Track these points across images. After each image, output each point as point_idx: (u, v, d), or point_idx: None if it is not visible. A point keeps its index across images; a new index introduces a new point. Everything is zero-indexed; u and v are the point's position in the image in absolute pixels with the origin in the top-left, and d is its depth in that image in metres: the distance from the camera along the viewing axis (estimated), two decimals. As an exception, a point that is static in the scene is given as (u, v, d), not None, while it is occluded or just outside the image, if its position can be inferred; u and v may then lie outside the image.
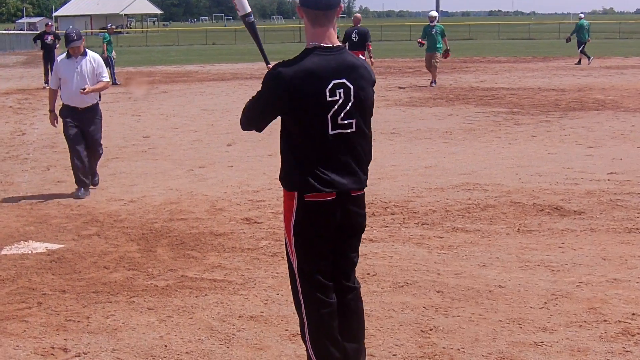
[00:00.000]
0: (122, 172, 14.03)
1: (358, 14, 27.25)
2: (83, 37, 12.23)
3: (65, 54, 12.27)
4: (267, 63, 5.56)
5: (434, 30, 28.92)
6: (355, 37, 25.47)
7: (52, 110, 12.51)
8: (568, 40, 44.10)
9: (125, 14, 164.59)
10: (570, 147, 15.65)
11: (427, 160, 14.50)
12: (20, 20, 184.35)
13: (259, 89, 5.08)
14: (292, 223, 5.14)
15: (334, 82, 4.94)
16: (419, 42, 29.55)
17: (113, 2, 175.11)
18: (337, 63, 4.99)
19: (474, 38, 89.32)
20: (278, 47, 63.98)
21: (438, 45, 28.78)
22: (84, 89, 11.83)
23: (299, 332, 5.43)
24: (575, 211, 10.53)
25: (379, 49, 57.87)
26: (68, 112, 12.22)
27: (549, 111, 21.50)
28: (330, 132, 4.99)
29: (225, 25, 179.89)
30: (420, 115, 21.27)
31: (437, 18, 29.73)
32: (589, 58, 41.53)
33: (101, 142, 12.59)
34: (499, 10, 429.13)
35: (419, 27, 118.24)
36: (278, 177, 5.23)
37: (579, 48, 41.91)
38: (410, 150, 15.58)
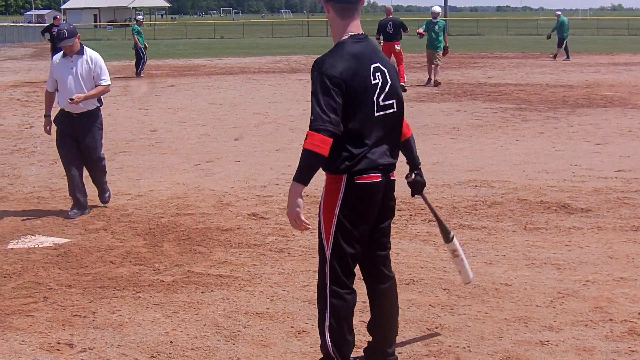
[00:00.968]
0: (129, 166, 14.04)
1: (389, 6, 27.25)
2: (78, 34, 10.72)
3: (61, 53, 10.88)
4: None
5: (437, 26, 28.42)
6: (391, 29, 25.58)
7: (47, 115, 11.22)
8: (549, 37, 44.55)
9: (133, 7, 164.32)
10: (577, 144, 15.62)
11: (434, 156, 14.48)
12: (28, 13, 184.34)
13: (316, 88, 5.07)
14: (337, 205, 5.22)
15: (373, 66, 5.18)
16: (418, 34, 29.05)
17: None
18: (370, 49, 5.27)
19: (482, 34, 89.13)
20: (286, 41, 63.95)
21: (440, 45, 28.37)
22: (72, 99, 10.46)
23: (317, 319, 5.45)
24: (582, 209, 10.51)
25: (387, 43, 57.76)
26: (62, 118, 10.91)
27: (557, 108, 21.47)
28: (376, 114, 5.20)
29: (233, 19, 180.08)
30: (427, 111, 21.25)
31: (440, 14, 29.27)
32: (568, 56, 42.27)
33: (102, 154, 11.19)
34: (507, 6, 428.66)
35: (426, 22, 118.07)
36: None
37: (559, 45, 42.62)
38: (417, 146, 15.52)
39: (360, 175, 5.16)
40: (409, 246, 8.97)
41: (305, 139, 4.98)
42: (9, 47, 71.16)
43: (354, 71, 5.07)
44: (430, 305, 7.07)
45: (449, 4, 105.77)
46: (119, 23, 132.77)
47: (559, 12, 44.91)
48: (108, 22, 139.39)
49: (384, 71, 5.23)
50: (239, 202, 11.16)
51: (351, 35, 5.23)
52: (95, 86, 10.79)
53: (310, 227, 5.15)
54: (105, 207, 11.04)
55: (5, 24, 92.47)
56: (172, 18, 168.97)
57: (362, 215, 5.26)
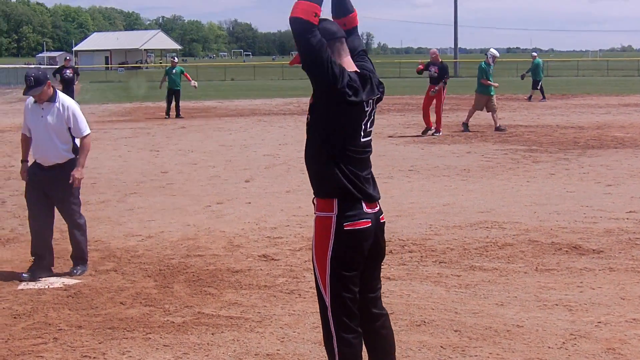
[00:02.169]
0: (140, 207, 14.05)
1: (435, 49, 26.96)
2: (48, 81, 9.68)
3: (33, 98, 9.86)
4: None
5: (491, 69, 27.65)
6: (435, 73, 25.45)
7: (23, 160, 10.15)
8: (522, 77, 44.88)
9: (144, 49, 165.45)
10: (588, 185, 15.59)
11: (445, 197, 14.46)
12: (40, 55, 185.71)
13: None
14: (329, 253, 5.23)
15: (369, 97, 5.22)
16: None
17: (133, 37, 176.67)
18: (365, 80, 5.25)
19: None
20: (297, 83, 64.16)
21: (493, 90, 27.42)
22: (75, 178, 9.73)
23: None
24: (593, 250, 10.47)
25: (397, 86, 58.00)
26: (34, 168, 9.99)
27: (568, 149, 21.46)
28: (362, 140, 5.28)
29: (244, 61, 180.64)
30: (438, 152, 21.25)
31: (497, 57, 28.32)
32: (544, 97, 43.07)
33: (75, 210, 10.06)
34: (517, 48, 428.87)
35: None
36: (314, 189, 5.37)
37: (534, 86, 43.43)
38: (428, 188, 15.55)
39: (350, 222, 5.17)
40: (419, 288, 8.93)
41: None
42: (21, 89, 71.38)
43: (357, 89, 5.12)
44: (441, 347, 7.03)
45: (459, 45, 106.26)
46: (130, 65, 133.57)
47: (535, 54, 45.46)
48: (119, 64, 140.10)
49: (372, 100, 5.28)
50: (250, 244, 11.15)
51: (354, 71, 5.24)
52: (73, 138, 9.84)
53: None
54: (116, 248, 11.03)
55: (17, 66, 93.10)
56: (183, 60, 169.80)
57: (355, 261, 5.25)
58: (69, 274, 9.80)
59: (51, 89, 9.77)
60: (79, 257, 10.02)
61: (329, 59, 4.99)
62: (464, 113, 33.80)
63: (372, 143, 5.41)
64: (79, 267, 9.92)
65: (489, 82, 26.92)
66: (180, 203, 14.38)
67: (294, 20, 5.01)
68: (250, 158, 20.44)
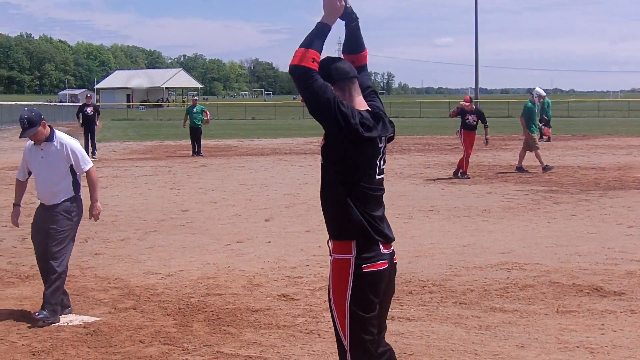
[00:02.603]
0: (160, 245, 14.06)
1: (468, 97, 26.68)
2: (42, 121, 9.54)
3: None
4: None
5: (537, 108, 27.45)
6: (474, 121, 25.15)
7: (15, 204, 10.19)
8: (541, 121, 44.56)
9: (166, 87, 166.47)
10: (610, 227, 15.52)
11: (465, 238, 14.42)
12: (62, 92, 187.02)
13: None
14: (347, 296, 5.19)
15: (381, 134, 5.22)
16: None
17: (154, 75, 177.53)
18: (377, 118, 5.24)
19: (513, 116, 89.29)
20: (317, 123, 64.24)
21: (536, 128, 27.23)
22: (94, 215, 10.04)
23: None
24: (615, 292, 10.40)
25: (417, 125, 58.02)
26: (38, 210, 9.99)
27: (589, 190, 21.38)
28: (377, 177, 5.27)
29: (265, 100, 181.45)
30: (458, 192, 21.21)
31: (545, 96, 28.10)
32: (549, 137, 42.65)
33: (60, 253, 9.62)
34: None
35: (457, 104, 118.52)
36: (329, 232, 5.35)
37: (547, 125, 42.63)
38: (448, 228, 15.51)
39: (368, 264, 5.15)
40: (439, 329, 8.89)
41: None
42: (43, 127, 71.78)
43: (370, 126, 5.12)
44: (461, 388, 6.98)
45: (480, 85, 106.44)
46: (152, 103, 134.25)
47: (544, 94, 45.29)
48: (140, 102, 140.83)
49: (385, 137, 5.29)
50: (269, 283, 11.13)
51: (365, 110, 5.24)
52: (74, 174, 9.76)
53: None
54: (136, 286, 11.03)
55: (39, 103, 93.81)
56: (204, 99, 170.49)
57: (373, 302, 5.22)
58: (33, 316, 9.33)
59: (47, 128, 9.66)
60: (46, 301, 9.41)
61: (334, 100, 5.01)
62: (483, 153, 33.82)
63: (385, 183, 5.41)
64: (43, 312, 9.33)
65: (524, 121, 26.91)
66: (200, 241, 14.39)
67: (294, 68, 5.07)
68: (270, 197, 20.45)
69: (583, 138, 46.49)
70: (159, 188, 22.67)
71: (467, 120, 25.33)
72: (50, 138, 9.65)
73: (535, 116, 27.09)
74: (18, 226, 10.46)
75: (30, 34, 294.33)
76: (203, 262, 12.58)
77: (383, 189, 5.35)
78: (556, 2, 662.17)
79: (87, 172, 9.80)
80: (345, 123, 5.00)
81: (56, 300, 9.45)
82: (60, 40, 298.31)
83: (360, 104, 5.25)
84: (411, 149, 37.06)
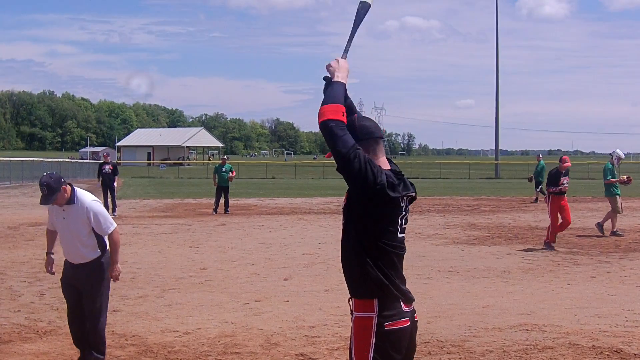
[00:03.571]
0: (178, 303, 14.05)
1: (566, 157, 25.00)
2: (63, 185, 9.45)
3: None
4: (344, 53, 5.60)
5: (616, 170, 27.25)
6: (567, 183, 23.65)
7: (48, 253, 10.19)
8: (530, 180, 44.70)
9: (187, 146, 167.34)
10: (630, 289, 15.43)
11: (484, 299, 14.36)
12: (83, 150, 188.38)
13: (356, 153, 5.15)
14: (370, 353, 5.15)
15: (403, 191, 5.22)
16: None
17: (175, 133, 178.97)
18: (403, 181, 5.28)
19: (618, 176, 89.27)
20: (338, 182, 64.34)
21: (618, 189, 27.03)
22: (114, 277, 9.79)
23: None
24: (635, 354, 10.33)
25: (437, 187, 58.02)
26: (65, 268, 9.98)
27: (609, 252, 21.29)
28: (399, 235, 5.29)
29: (285, 160, 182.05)
30: (478, 254, 21.15)
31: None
32: (537, 199, 43.45)
33: (100, 308, 9.85)
34: (558, 150, 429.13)
35: (478, 165, 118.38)
36: (351, 291, 5.34)
37: (538, 187, 43.29)
38: (467, 289, 15.45)
39: (391, 322, 5.14)
40: (458, 390, 8.83)
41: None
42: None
43: (392, 184, 5.15)
44: None
45: (500, 147, 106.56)
46: (172, 162, 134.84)
47: (540, 156, 45.88)
48: (161, 160, 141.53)
49: (407, 197, 5.30)
50: (287, 342, 11.09)
51: (389, 169, 5.29)
52: (98, 235, 9.65)
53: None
54: (153, 343, 11.01)
55: (61, 160, 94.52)
56: (224, 158, 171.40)
57: None
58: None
59: (68, 192, 9.51)
60: (97, 351, 9.79)
61: (364, 157, 5.06)
62: (504, 214, 33.75)
63: (405, 243, 5.41)
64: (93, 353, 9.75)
65: (611, 180, 26.76)
66: (218, 300, 14.37)
67: (324, 124, 5.12)
68: (289, 256, 20.44)
69: (603, 200, 46.30)
70: (178, 246, 22.69)
71: (561, 185, 23.31)
72: (71, 200, 9.51)
73: (615, 178, 26.91)
74: (52, 273, 10.26)
75: (53, 92, 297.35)
76: (221, 321, 12.56)
77: (404, 248, 5.36)
78: (577, 65, 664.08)
79: (110, 233, 9.66)
80: (373, 181, 5.03)
81: (103, 346, 9.84)
82: (82, 98, 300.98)
83: (384, 164, 5.30)
84: (431, 210, 37.01)
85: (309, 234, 26.17)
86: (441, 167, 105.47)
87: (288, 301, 14.24)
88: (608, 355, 10.33)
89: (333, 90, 5.22)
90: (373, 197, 5.09)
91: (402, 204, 5.23)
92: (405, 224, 5.33)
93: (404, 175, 5.36)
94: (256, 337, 11.39)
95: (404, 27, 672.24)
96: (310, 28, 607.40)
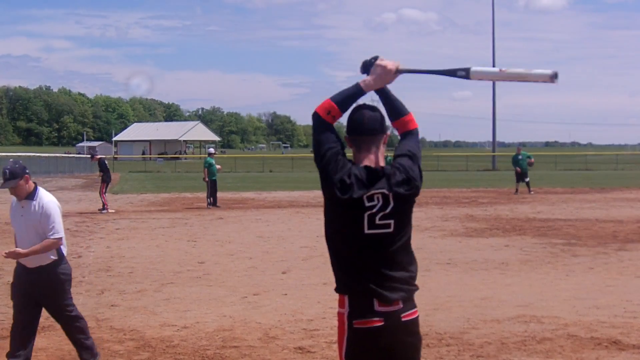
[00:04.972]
0: (176, 297, 14.04)
1: None
2: (26, 175, 9.00)
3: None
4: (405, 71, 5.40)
5: None
6: None
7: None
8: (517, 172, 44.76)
9: (183, 140, 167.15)
10: (628, 280, 15.43)
11: (482, 291, 14.36)
12: (80, 144, 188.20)
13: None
14: (343, 350, 5.10)
15: (373, 191, 5.03)
16: None
17: (172, 128, 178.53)
18: (378, 179, 5.07)
19: (530, 169, 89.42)
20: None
21: None
22: (6, 253, 9.01)
23: None
24: (634, 345, 10.33)
25: (435, 179, 58.07)
26: (18, 269, 9.31)
27: (607, 243, 21.29)
28: (366, 231, 5.05)
29: (282, 153, 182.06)
30: (476, 245, 21.15)
31: None
32: (516, 190, 44.20)
33: (72, 310, 9.43)
34: (555, 142, 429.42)
35: (475, 157, 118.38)
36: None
37: (524, 179, 43.97)
38: (466, 281, 15.45)
39: (359, 320, 5.02)
40: (457, 382, 8.83)
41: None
42: (60, 178, 72.31)
43: (353, 186, 5.01)
44: None
45: (497, 139, 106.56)
46: (169, 156, 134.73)
47: (520, 147, 46.27)
48: (159, 154, 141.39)
49: (387, 195, 5.04)
50: (286, 336, 11.09)
51: (364, 166, 5.12)
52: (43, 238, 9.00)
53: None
54: (151, 337, 11.00)
55: (57, 155, 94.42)
56: (221, 152, 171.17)
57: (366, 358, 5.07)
58: None
59: (30, 186, 9.09)
60: (88, 355, 9.41)
61: (329, 154, 5.06)
62: (502, 206, 33.79)
63: (399, 234, 5.16)
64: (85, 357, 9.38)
65: None
66: (216, 293, 14.36)
67: (313, 114, 5.19)
68: (287, 249, 20.43)
69: (601, 191, 46.40)
70: (176, 240, 22.69)
71: None
72: (31, 196, 9.04)
73: None
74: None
75: (49, 87, 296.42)
76: (219, 314, 12.55)
77: (382, 245, 5.11)
78: (574, 56, 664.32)
79: (51, 238, 9.01)
80: (326, 181, 5.05)
81: (91, 346, 9.43)
82: (79, 93, 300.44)
83: (368, 160, 5.15)
84: (429, 202, 36.99)
85: (307, 227, 26.17)
86: (439, 160, 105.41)
87: (286, 294, 14.24)
88: (607, 346, 10.33)
89: (346, 90, 5.22)
90: (327, 196, 5.08)
91: (366, 203, 5.02)
92: (381, 219, 5.07)
93: (398, 171, 5.15)
94: (254, 331, 11.38)
95: (401, 19, 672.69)
96: (307, 21, 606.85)
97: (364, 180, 5.02)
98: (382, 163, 5.19)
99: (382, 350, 5.05)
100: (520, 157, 43.59)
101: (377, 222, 5.06)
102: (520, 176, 43.54)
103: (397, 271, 5.14)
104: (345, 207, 5.03)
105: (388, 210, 5.08)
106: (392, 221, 5.10)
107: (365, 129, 5.19)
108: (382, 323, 5.00)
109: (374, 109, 5.28)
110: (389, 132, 5.33)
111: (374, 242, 5.09)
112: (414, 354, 5.20)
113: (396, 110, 5.35)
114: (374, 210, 5.04)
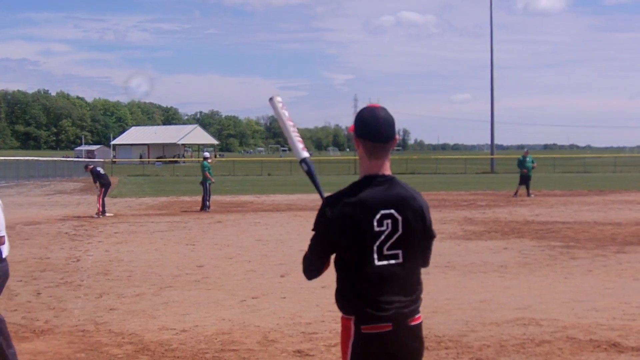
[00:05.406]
0: (175, 301, 14.04)
1: None
2: None
3: None
4: (322, 197, 5.45)
5: None
6: None
7: None
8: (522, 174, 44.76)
9: (182, 144, 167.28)
10: (627, 282, 15.44)
11: (481, 294, 14.36)
12: (78, 148, 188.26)
13: (313, 233, 5.23)
14: (348, 354, 5.07)
15: (382, 212, 4.97)
16: None
17: (170, 131, 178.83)
18: (387, 194, 5.02)
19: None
20: (333, 179, 64.39)
21: None
22: None
23: None
24: (633, 347, 10.33)
25: (433, 182, 58.06)
26: None
27: (606, 245, 21.30)
28: (377, 263, 4.99)
29: (281, 156, 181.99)
30: (474, 248, 21.15)
31: None
32: (516, 192, 44.25)
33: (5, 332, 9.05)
34: (554, 144, 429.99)
35: (473, 160, 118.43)
36: (335, 301, 5.27)
37: (526, 182, 43.91)
38: (464, 284, 15.45)
39: (367, 324, 4.98)
40: (456, 385, 8.82)
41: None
42: (59, 181, 72.39)
43: (352, 217, 4.97)
44: None
45: (495, 142, 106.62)
46: (168, 159, 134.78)
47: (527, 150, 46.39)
48: (157, 157, 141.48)
49: (397, 219, 5.00)
50: (285, 339, 11.08)
51: (370, 175, 5.08)
52: None
53: None
54: (150, 341, 11.00)
55: (56, 159, 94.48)
56: (220, 155, 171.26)
57: None
58: None
59: None
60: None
61: (308, 258, 5.53)
62: (501, 209, 33.80)
63: (403, 262, 5.07)
64: None
65: None
66: (215, 297, 14.36)
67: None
68: (286, 253, 20.42)
69: (599, 193, 46.42)
70: (175, 244, 22.68)
71: None
72: None
73: None
74: None
75: (48, 90, 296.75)
76: (218, 318, 12.55)
77: (394, 271, 5.06)
78: (573, 59, 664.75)
79: None
80: (329, 239, 5.20)
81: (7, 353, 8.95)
82: (77, 97, 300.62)
83: (372, 168, 5.11)
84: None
85: (306, 230, 26.11)
86: (437, 163, 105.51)
87: (285, 298, 14.24)
88: (605, 348, 10.33)
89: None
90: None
91: (377, 228, 4.99)
92: (390, 249, 5.04)
93: (393, 182, 5.11)
94: (253, 334, 11.38)
95: (400, 22, 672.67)
96: (306, 24, 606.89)
97: (348, 224, 5.04)
98: (389, 171, 5.14)
99: (389, 355, 5.04)
100: (527, 158, 43.63)
101: (384, 253, 5.10)
102: (525, 179, 43.48)
103: (397, 294, 5.15)
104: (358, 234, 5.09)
105: (394, 239, 5.09)
106: (397, 251, 5.14)
107: (382, 136, 5.09)
108: (391, 328, 5.00)
109: (385, 109, 5.18)
110: (398, 137, 5.26)
111: (384, 273, 5.11)
112: (418, 359, 5.20)
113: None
114: (385, 237, 5.07)
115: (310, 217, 27.92)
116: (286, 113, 5.79)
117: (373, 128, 5.07)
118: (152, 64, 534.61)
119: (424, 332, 10.38)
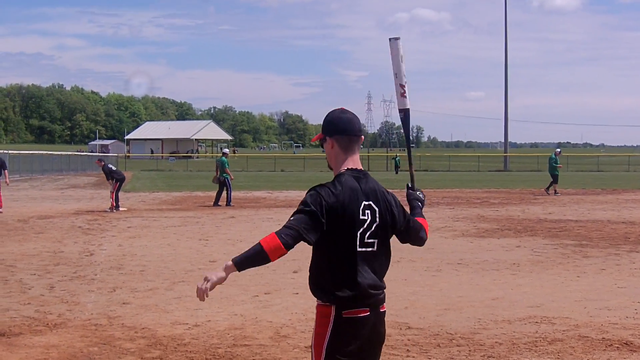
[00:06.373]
0: (187, 295, 14.05)
1: None
2: None
3: None
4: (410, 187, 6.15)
5: None
6: None
7: None
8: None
9: (195, 139, 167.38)
10: (640, 282, 15.41)
11: (494, 291, 14.34)
12: (92, 142, 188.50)
13: (302, 205, 5.38)
14: (325, 341, 5.23)
15: (364, 203, 5.31)
16: None
17: (184, 126, 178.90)
18: (366, 187, 5.38)
19: (542, 170, 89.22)
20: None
21: None
22: None
23: None
24: (645, 347, 10.31)
25: (446, 179, 57.97)
26: None
27: (619, 244, 21.25)
28: (359, 249, 5.28)
29: (294, 153, 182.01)
30: (487, 246, 21.13)
31: None
32: (547, 190, 44.11)
33: None
34: (567, 142, 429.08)
35: (487, 157, 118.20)
36: (311, 290, 5.55)
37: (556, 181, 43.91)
38: (477, 282, 15.43)
39: (349, 310, 5.20)
40: (467, 382, 8.82)
41: (267, 235, 5.40)
42: (73, 176, 72.52)
43: (345, 204, 5.23)
44: None
45: (509, 139, 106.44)
46: (181, 154, 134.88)
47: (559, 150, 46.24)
48: (171, 153, 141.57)
49: (374, 210, 5.35)
50: (297, 335, 11.09)
51: (349, 169, 5.41)
52: None
53: (204, 299, 5.35)
54: (163, 335, 11.02)
55: (70, 153, 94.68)
56: (234, 151, 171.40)
57: (350, 348, 5.21)
58: None
59: None
60: None
61: (288, 233, 5.55)
62: (514, 207, 33.73)
63: (377, 250, 5.38)
64: None
65: None
66: (227, 292, 14.36)
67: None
68: (298, 249, 20.30)
69: (613, 192, 46.31)
70: (188, 239, 22.71)
71: None
72: None
73: None
74: None
75: (62, 85, 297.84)
76: (230, 313, 12.56)
77: (372, 257, 5.36)
78: (587, 57, 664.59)
79: None
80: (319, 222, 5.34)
81: None
82: (91, 91, 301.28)
83: (352, 161, 5.46)
84: (440, 202, 36.99)
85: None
86: (450, 160, 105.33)
87: (297, 293, 14.25)
88: (618, 347, 10.31)
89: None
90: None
91: (361, 217, 5.31)
92: (369, 237, 5.36)
93: (367, 176, 5.45)
94: (265, 330, 11.39)
95: (415, 19, 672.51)
96: (320, 20, 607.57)
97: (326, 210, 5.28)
98: (361, 166, 5.49)
99: (363, 338, 5.26)
100: (556, 157, 43.62)
101: (366, 240, 5.37)
102: (556, 177, 43.38)
103: (381, 279, 5.47)
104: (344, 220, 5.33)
105: (373, 229, 5.39)
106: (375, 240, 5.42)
107: (357, 129, 5.48)
108: (368, 313, 5.27)
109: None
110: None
111: (364, 257, 5.39)
112: (381, 344, 5.49)
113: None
114: (367, 226, 5.37)
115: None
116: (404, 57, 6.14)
117: (347, 123, 5.45)
118: (165, 59, 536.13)
119: (436, 330, 10.45)
